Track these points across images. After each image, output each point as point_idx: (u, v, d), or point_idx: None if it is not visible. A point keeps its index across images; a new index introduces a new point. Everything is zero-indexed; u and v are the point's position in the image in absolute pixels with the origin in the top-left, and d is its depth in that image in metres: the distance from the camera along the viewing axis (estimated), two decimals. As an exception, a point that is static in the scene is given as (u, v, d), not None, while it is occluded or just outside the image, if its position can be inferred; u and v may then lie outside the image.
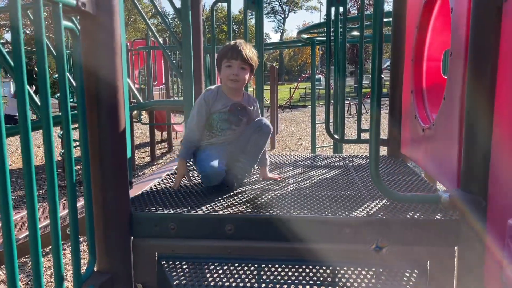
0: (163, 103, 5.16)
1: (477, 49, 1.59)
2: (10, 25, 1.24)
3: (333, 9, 3.24)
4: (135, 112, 6.54)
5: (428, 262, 1.77)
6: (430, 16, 2.50)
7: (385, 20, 1.91)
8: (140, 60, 9.98)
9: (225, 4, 3.52)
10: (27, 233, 2.73)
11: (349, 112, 17.32)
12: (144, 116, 12.22)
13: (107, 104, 1.76)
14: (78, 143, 3.90)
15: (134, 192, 2.23)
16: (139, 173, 7.98)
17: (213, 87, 2.35)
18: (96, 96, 1.73)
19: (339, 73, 3.24)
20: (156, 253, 1.89)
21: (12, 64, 2.17)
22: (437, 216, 1.80)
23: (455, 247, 1.76)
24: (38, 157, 9.20)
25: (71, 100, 7.48)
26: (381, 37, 1.77)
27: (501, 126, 1.51)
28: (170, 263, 1.86)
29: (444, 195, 1.70)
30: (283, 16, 65.45)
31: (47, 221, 2.76)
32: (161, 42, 3.20)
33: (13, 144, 11.04)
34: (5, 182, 1.19)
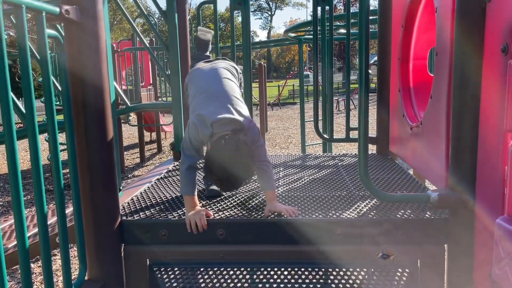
0: (151, 106, 5.11)
1: (462, 48, 1.60)
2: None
3: (319, 8, 3.25)
4: (123, 114, 6.49)
5: (419, 260, 1.79)
6: (415, 15, 2.52)
7: (371, 17, 1.92)
8: (127, 61, 9.89)
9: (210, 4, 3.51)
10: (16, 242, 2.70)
11: (337, 108, 17.38)
12: (133, 117, 12.16)
13: (94, 112, 1.75)
14: (65, 146, 3.86)
15: (124, 198, 2.22)
16: (129, 175, 7.92)
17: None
18: (82, 103, 1.72)
19: (326, 73, 3.25)
20: (148, 259, 1.88)
21: None
22: (426, 215, 1.82)
23: (445, 245, 1.78)
24: (25, 161, 9.09)
25: (57, 103, 7.40)
26: (368, 36, 1.77)
27: (488, 124, 1.53)
28: (162, 269, 1.85)
29: (433, 194, 1.72)
30: (269, 13, 65.38)
31: (36, 229, 2.73)
32: (147, 43, 3.16)
33: (-1, 148, 10.89)
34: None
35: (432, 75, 2.54)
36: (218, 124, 1.93)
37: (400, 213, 1.86)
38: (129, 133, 13.45)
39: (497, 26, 1.43)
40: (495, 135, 1.46)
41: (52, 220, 2.74)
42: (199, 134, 1.95)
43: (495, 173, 1.46)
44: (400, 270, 1.79)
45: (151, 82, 11.28)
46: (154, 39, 10.86)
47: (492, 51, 1.47)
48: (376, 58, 3.23)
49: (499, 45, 1.41)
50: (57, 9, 1.54)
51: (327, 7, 3.26)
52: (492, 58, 1.48)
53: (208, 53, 2.66)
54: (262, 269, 1.82)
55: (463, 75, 1.62)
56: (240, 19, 3.34)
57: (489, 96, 1.52)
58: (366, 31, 1.72)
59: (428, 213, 1.84)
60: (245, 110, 2.05)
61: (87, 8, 1.67)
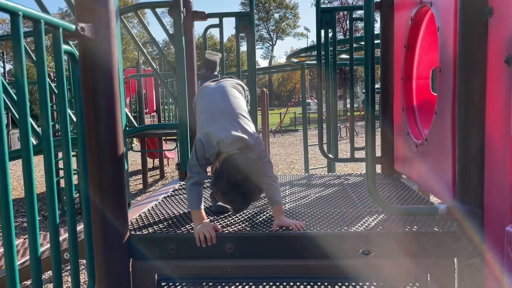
0: (159, 126, 5.19)
1: (465, 64, 1.65)
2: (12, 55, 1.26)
3: (322, 32, 3.33)
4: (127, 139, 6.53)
5: (429, 274, 1.78)
6: (417, 35, 2.58)
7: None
8: (132, 88, 10.04)
9: (214, 32, 3.60)
10: (22, 260, 2.68)
11: (339, 135, 17.45)
12: (136, 144, 12.22)
13: (106, 127, 1.78)
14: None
15: (132, 214, 2.22)
16: (132, 201, 7.91)
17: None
18: (94, 118, 1.75)
19: (330, 92, 3.30)
20: (156, 274, 1.87)
21: (14, 96, 2.19)
22: (435, 228, 1.82)
23: (455, 259, 1.77)
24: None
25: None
26: (373, 53, 1.83)
27: (494, 134, 1.55)
28: (171, 284, 1.84)
29: (441, 206, 1.73)
30: (271, 43, 66.57)
31: (43, 247, 2.73)
32: (156, 67, 3.24)
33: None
34: (8, 211, 1.18)
35: (435, 94, 2.58)
36: (225, 143, 1.95)
37: (408, 227, 1.86)
38: (132, 160, 13.48)
39: (500, 39, 1.48)
40: (501, 144, 1.48)
41: (60, 237, 2.73)
42: (206, 152, 1.97)
43: (503, 182, 1.48)
44: (410, 284, 1.78)
45: (154, 109, 11.39)
46: (158, 66, 11.05)
47: (496, 63, 1.52)
48: (377, 85, 3.29)
49: (502, 57, 1.45)
50: (73, 26, 1.59)
51: (330, 31, 3.34)
52: (496, 70, 1.52)
53: (216, 73, 2.71)
54: (271, 283, 1.81)
55: (467, 89, 1.65)
56: (242, 48, 3.42)
57: (494, 107, 1.55)
58: (371, 44, 1.77)
59: (436, 227, 1.84)
60: (251, 127, 2.07)
61: (101, 26, 1.72)
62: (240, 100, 2.20)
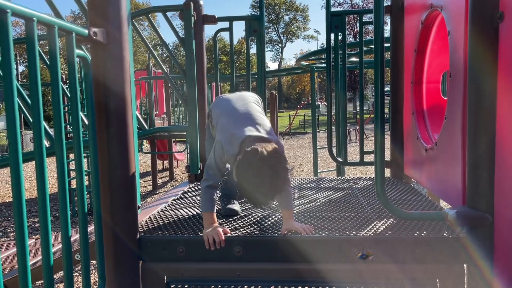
0: (168, 129, 5.23)
1: (476, 69, 1.64)
2: (27, 58, 1.29)
3: (332, 35, 3.33)
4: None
5: (438, 280, 1.77)
6: (428, 39, 2.58)
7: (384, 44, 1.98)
8: (142, 90, 10.13)
9: (223, 35, 3.62)
10: (34, 260, 2.72)
11: (349, 138, 17.39)
12: (145, 145, 12.30)
13: (117, 130, 1.80)
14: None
15: (141, 216, 2.24)
16: (142, 202, 7.96)
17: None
18: (106, 122, 1.77)
19: (339, 95, 3.30)
20: (165, 276, 1.89)
21: (27, 98, 2.22)
22: (444, 234, 1.81)
23: (464, 265, 1.76)
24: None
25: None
26: (383, 58, 1.83)
27: (505, 140, 1.54)
28: (179, 286, 1.86)
29: (450, 212, 1.72)
30: (280, 45, 66.63)
31: (55, 248, 2.76)
32: (166, 70, 3.27)
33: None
34: (21, 211, 1.21)
35: (445, 98, 2.57)
36: (247, 142, 1.94)
37: (417, 232, 1.85)
38: (142, 161, 13.57)
39: (511, 44, 1.47)
40: (512, 150, 1.48)
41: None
42: (224, 155, 1.98)
43: (513, 188, 1.47)
44: (419, 289, 1.77)
45: (165, 111, 11.46)
46: (168, 69, 11.13)
47: (507, 68, 1.51)
48: (386, 88, 3.27)
49: (512, 62, 1.45)
50: (86, 31, 1.62)
51: (340, 35, 3.34)
52: (506, 75, 1.52)
53: None
54: (279, 287, 1.82)
55: (478, 94, 1.65)
56: (252, 50, 3.42)
57: (504, 112, 1.54)
58: (381, 47, 1.77)
59: (445, 232, 1.83)
60: (271, 130, 2.09)
61: (113, 30, 1.75)
62: (259, 107, 2.24)
